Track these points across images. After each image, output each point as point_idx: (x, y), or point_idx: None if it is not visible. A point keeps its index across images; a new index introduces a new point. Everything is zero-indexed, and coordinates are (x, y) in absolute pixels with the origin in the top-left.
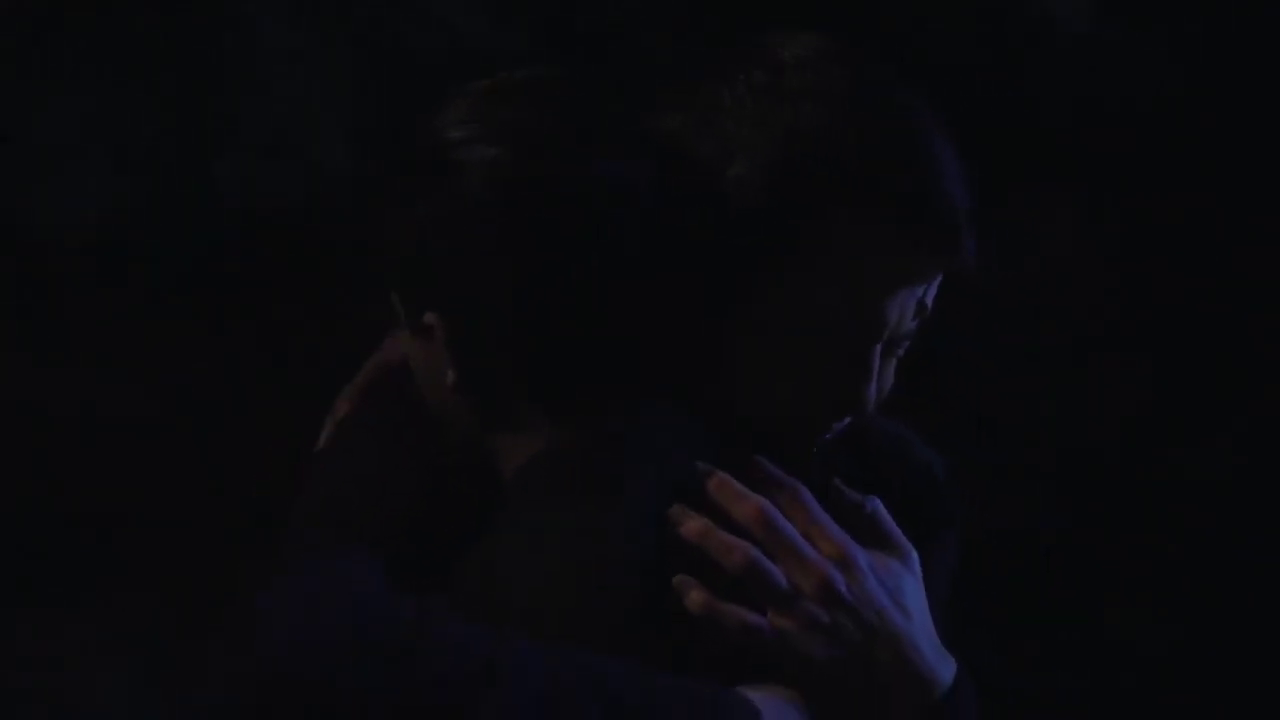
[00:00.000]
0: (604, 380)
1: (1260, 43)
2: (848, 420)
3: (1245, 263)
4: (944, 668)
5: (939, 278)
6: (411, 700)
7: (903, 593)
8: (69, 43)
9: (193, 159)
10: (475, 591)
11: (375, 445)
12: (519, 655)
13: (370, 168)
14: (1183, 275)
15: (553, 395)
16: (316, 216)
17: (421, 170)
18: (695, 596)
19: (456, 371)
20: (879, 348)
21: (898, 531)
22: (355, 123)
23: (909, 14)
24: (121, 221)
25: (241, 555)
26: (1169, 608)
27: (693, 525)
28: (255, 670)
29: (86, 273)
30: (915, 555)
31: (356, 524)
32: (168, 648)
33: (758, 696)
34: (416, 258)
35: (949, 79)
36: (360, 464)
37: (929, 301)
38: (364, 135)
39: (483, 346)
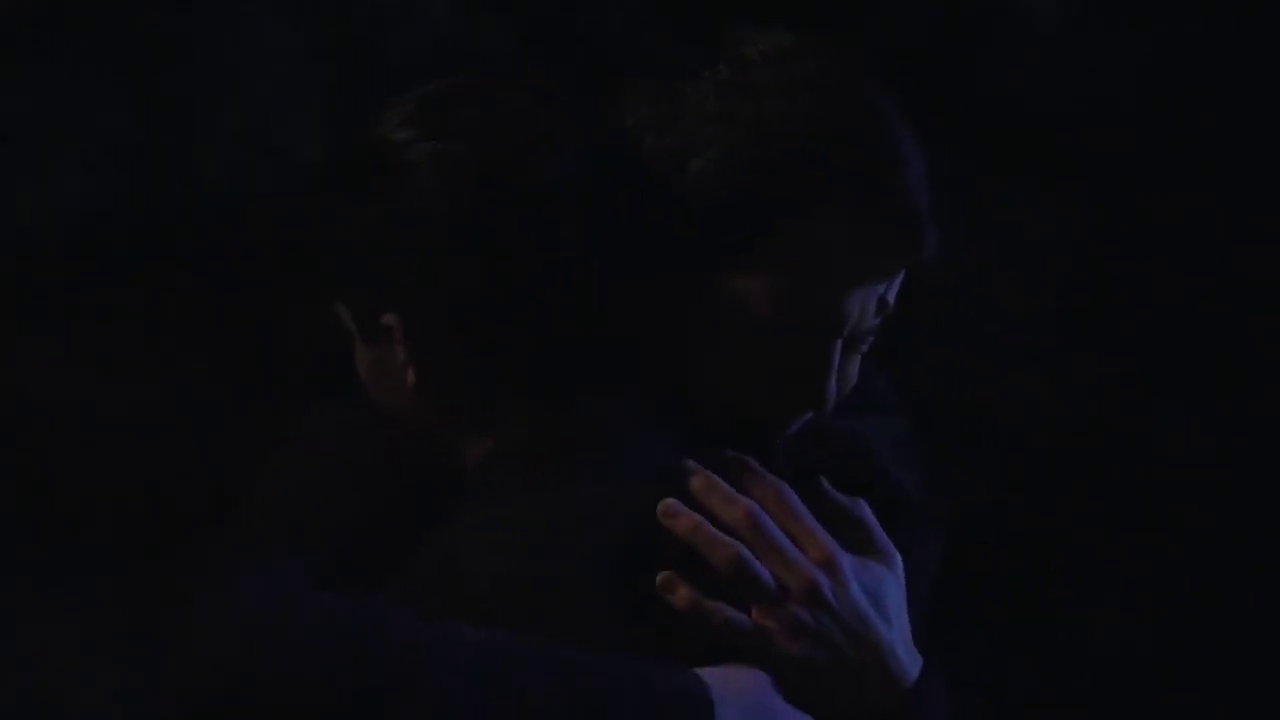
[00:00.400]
0: (567, 375)
1: (1236, 33)
2: (808, 417)
3: (1218, 253)
4: (912, 665)
5: (901, 274)
6: (352, 690)
7: (884, 597)
8: (47, 39)
9: (173, 155)
10: (435, 582)
11: (326, 447)
12: (462, 641)
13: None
14: (1155, 266)
15: (515, 391)
16: (298, 212)
17: (371, 172)
18: (683, 593)
19: (416, 372)
20: (839, 344)
21: (882, 535)
22: (337, 119)
23: (882, 8)
24: (99, 218)
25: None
26: (1142, 600)
27: (684, 521)
28: (197, 674)
29: (64, 269)
30: (899, 559)
31: (303, 528)
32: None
33: (718, 677)
34: (370, 259)
35: (918, 72)
36: (310, 467)
37: (890, 298)
38: (347, 132)
39: (442, 344)
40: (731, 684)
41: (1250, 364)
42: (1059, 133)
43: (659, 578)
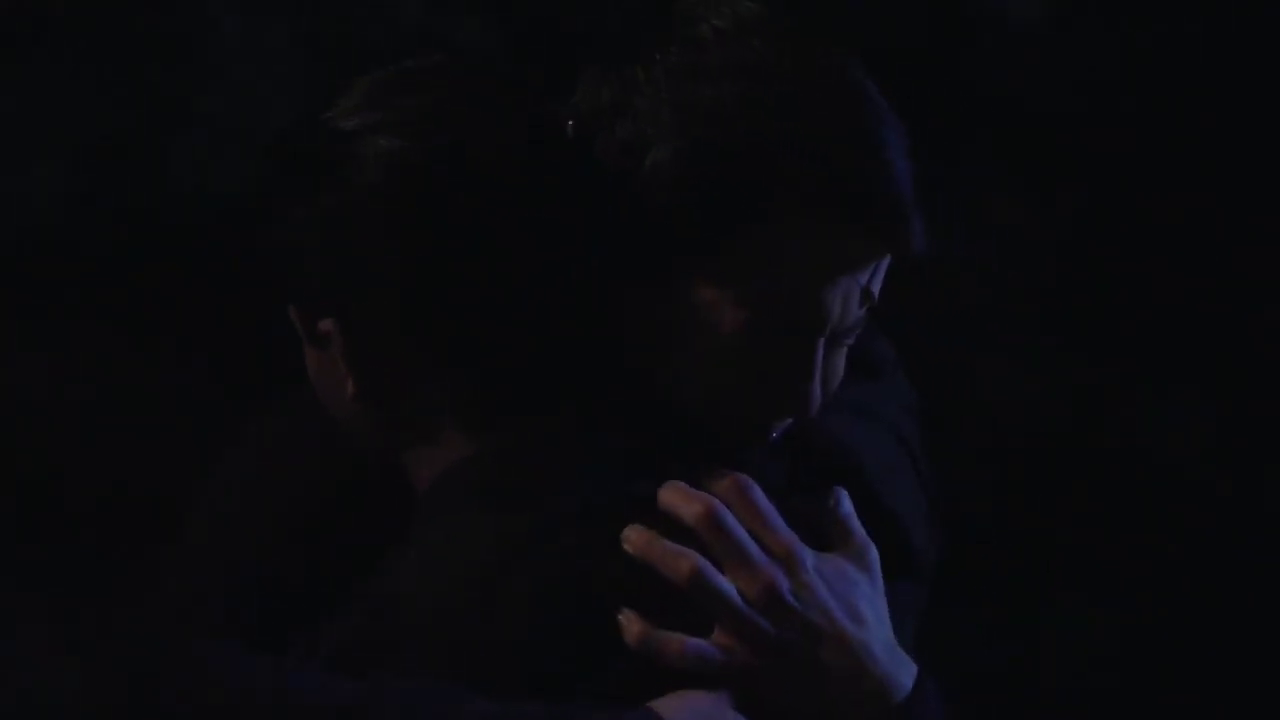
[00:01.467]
0: (519, 384)
1: (1225, 32)
2: (790, 422)
3: (1211, 251)
4: (904, 673)
5: (885, 264)
6: None
7: (853, 595)
8: (21, 35)
9: (148, 152)
10: (377, 616)
11: (259, 464)
12: (387, 701)
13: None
14: (1146, 264)
15: (461, 403)
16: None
17: (312, 166)
18: (635, 629)
19: (356, 381)
20: (822, 341)
21: (858, 529)
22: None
23: (866, 6)
24: (71, 214)
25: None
26: (1137, 603)
27: (635, 537)
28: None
29: (36, 265)
30: (874, 553)
31: (233, 556)
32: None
33: (673, 706)
34: (306, 259)
35: (902, 69)
36: (240, 488)
37: (875, 289)
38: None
39: (381, 350)
40: (688, 712)
41: (1247, 363)
42: (1045, 131)
43: (617, 617)
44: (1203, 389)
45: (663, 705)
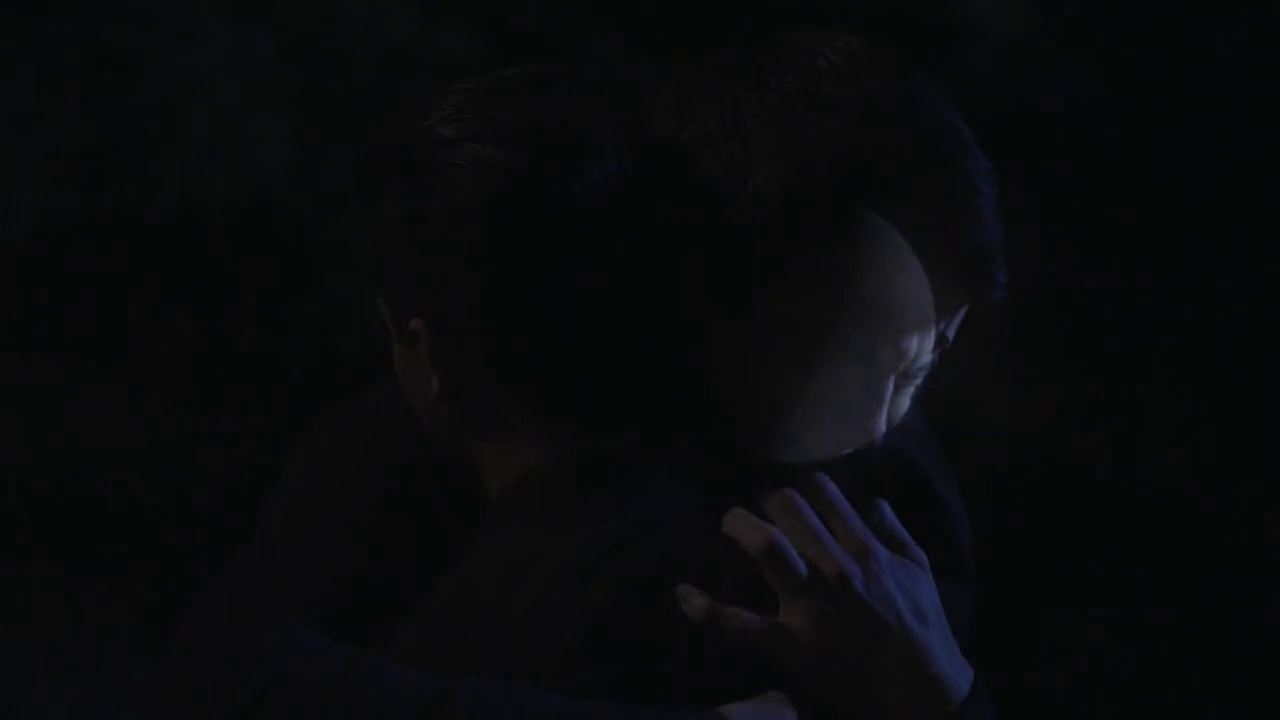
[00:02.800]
0: (598, 400)
1: (1207, 40)
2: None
3: (1177, 260)
4: (961, 677)
5: (964, 310)
6: None
7: (919, 595)
8: (4, 47)
9: (134, 161)
10: (447, 614)
11: (333, 462)
12: (466, 694)
13: (310, 169)
14: (1128, 275)
15: (542, 409)
16: (256, 216)
17: (408, 168)
18: (696, 602)
19: (440, 381)
20: (893, 378)
21: (908, 537)
22: (294, 123)
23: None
24: (59, 224)
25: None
26: (1128, 616)
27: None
28: None
29: (23, 274)
30: (927, 563)
31: (305, 563)
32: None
33: (741, 712)
34: (400, 259)
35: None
36: (314, 486)
37: (950, 334)
38: (304, 136)
39: (468, 354)
40: (754, 715)
41: (1231, 375)
42: (1029, 143)
43: (677, 590)
44: (1195, 397)
45: (729, 709)
